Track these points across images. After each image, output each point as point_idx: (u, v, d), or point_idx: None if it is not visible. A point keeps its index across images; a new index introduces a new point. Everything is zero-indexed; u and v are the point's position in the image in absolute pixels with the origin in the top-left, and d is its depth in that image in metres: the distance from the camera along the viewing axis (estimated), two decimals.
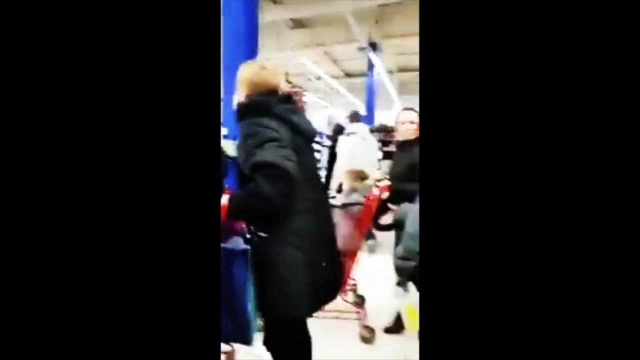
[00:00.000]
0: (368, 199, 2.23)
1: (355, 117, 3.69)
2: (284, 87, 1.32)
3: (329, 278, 1.31)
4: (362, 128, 3.48)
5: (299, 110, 1.31)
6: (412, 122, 2.06)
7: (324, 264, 1.26)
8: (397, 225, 1.89)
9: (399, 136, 2.12)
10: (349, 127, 3.60)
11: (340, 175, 3.23)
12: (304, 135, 1.28)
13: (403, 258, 1.54)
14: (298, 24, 7.89)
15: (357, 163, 3.10)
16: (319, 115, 8.66)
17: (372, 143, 3.52)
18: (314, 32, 7.98)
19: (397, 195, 2.13)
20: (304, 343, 1.46)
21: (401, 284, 2.38)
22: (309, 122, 1.34)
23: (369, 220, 2.17)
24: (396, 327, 2.23)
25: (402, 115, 2.10)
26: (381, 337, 2.20)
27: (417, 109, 1.65)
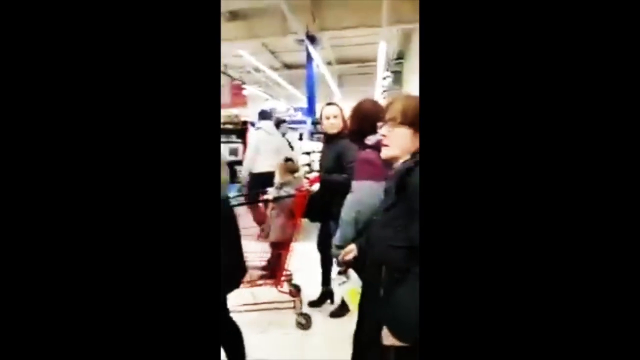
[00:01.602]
0: (299, 191, 2.31)
1: (263, 114, 4.30)
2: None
3: (228, 269, 1.40)
4: (267, 124, 4.10)
5: None
6: (335, 117, 2.14)
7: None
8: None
9: (325, 130, 2.20)
10: (258, 123, 4.23)
11: (248, 164, 3.95)
12: None
13: (339, 247, 1.61)
14: (234, 16, 7.72)
15: (262, 153, 3.86)
16: (260, 107, 8.60)
17: (278, 137, 4.19)
18: (250, 24, 7.86)
19: (325, 185, 2.23)
20: (231, 333, 1.52)
21: (342, 272, 2.49)
22: None
23: (300, 212, 2.25)
24: (340, 311, 2.35)
25: (326, 110, 2.18)
26: (319, 322, 2.31)
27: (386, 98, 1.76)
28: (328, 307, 2.49)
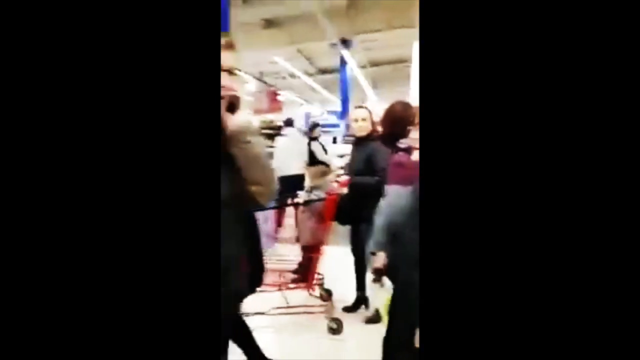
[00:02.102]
0: (329, 194, 2.31)
1: (288, 122, 4.69)
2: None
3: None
4: (292, 131, 4.45)
5: None
6: (364, 119, 2.13)
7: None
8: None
9: (354, 133, 2.19)
10: (283, 130, 4.66)
11: (276, 167, 4.11)
12: None
13: (374, 253, 1.59)
14: (270, 23, 7.90)
15: (288, 157, 4.13)
16: (295, 112, 8.72)
17: (303, 142, 4.53)
18: (285, 31, 8.00)
19: (355, 188, 2.22)
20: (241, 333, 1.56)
21: (376, 280, 2.46)
22: None
23: (331, 215, 2.25)
24: (376, 317, 2.32)
25: (355, 112, 2.17)
26: (353, 327, 2.29)
27: (413, 101, 1.75)
28: (363, 312, 2.45)
